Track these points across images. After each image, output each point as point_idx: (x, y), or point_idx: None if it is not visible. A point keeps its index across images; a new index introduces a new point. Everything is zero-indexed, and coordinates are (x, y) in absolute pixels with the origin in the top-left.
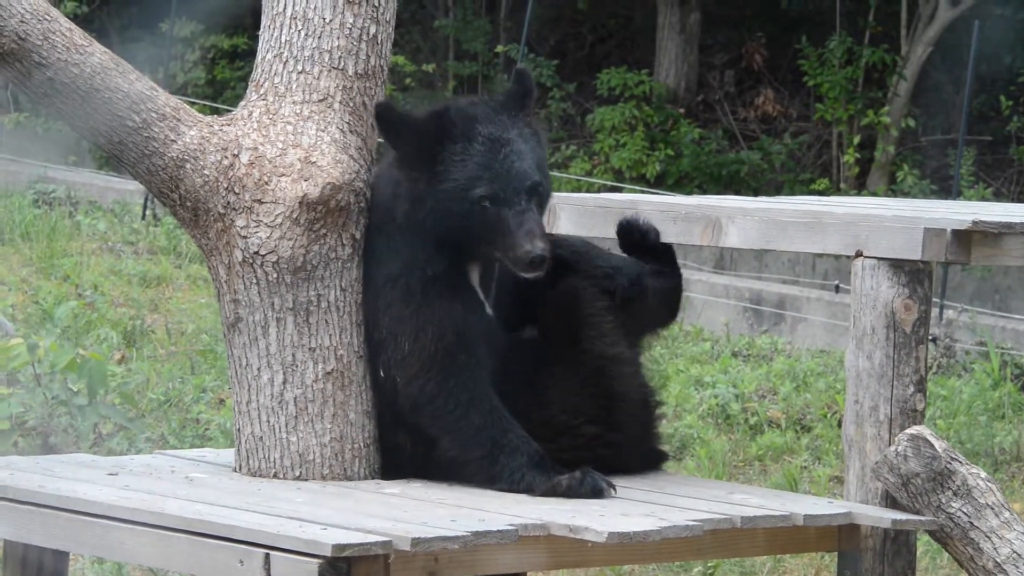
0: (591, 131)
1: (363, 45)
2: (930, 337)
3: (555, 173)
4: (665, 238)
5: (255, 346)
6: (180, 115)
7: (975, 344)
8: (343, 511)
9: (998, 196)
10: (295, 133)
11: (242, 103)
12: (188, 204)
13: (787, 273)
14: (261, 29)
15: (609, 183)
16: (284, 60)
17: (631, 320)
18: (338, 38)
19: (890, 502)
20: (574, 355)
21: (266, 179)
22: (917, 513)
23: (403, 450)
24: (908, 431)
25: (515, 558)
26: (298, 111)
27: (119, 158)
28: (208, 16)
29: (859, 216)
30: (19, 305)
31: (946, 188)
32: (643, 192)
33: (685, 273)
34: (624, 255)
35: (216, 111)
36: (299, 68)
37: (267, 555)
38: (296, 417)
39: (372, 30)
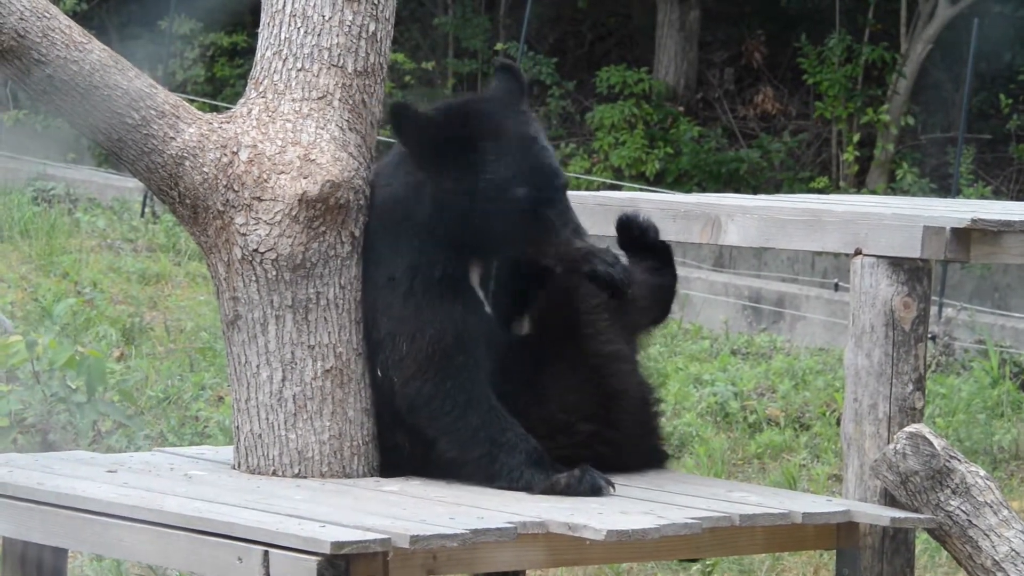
0: (590, 129)
1: (362, 43)
2: (929, 335)
3: None
4: (664, 236)
5: (254, 343)
6: (179, 112)
7: (974, 342)
8: (342, 509)
9: (997, 194)
10: (294, 131)
11: (241, 100)
12: (187, 201)
13: (786, 271)
14: (260, 27)
15: (608, 181)
16: (283, 58)
17: (624, 316)
18: (337, 36)
19: (889, 500)
20: (572, 353)
21: (265, 177)
22: (916, 511)
23: (402, 449)
24: (907, 429)
25: (514, 556)
26: (297, 109)
27: (118, 155)
28: (207, 13)
29: (858, 214)
30: (18, 302)
31: (945, 186)
32: (642, 190)
33: (684, 271)
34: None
35: (215, 109)
36: (298, 66)
37: (266, 552)
38: (295, 415)
39: (371, 27)
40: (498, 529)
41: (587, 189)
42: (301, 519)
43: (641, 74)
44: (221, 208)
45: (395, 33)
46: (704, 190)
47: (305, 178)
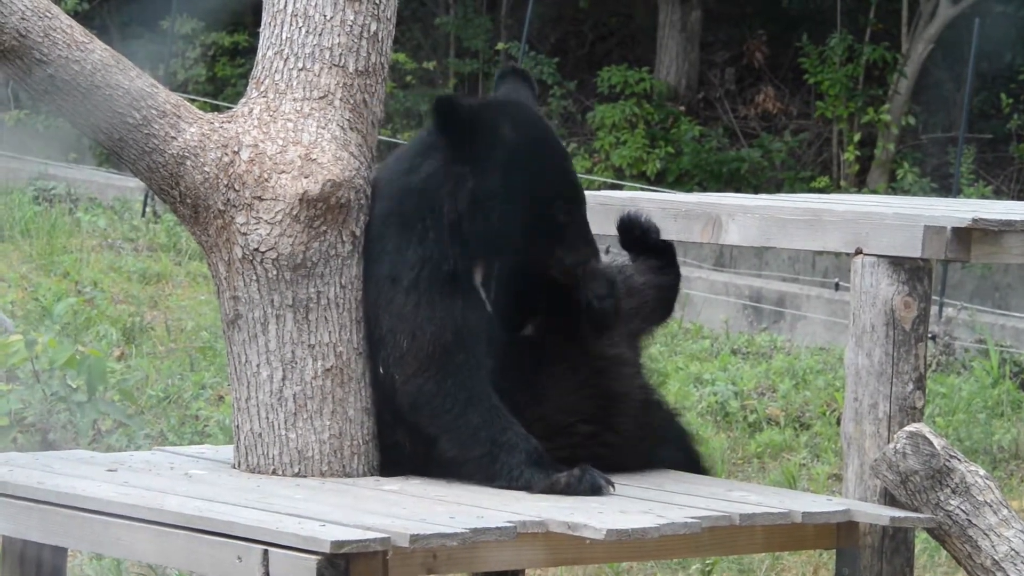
0: (591, 129)
1: (364, 42)
2: (929, 335)
3: None
4: (665, 235)
5: (254, 343)
6: (180, 112)
7: (974, 342)
8: (342, 508)
9: (998, 194)
10: (295, 130)
11: (242, 100)
12: (188, 201)
13: (787, 271)
14: (262, 26)
15: (609, 181)
16: (285, 57)
17: (626, 317)
18: (339, 35)
19: (889, 499)
20: (574, 355)
21: (266, 176)
22: (915, 511)
23: (402, 447)
24: (907, 429)
25: (513, 555)
26: (298, 108)
27: (119, 155)
28: (209, 13)
29: (859, 214)
30: (18, 301)
31: (946, 186)
32: (643, 190)
33: (685, 271)
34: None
35: (216, 108)
36: (300, 65)
37: (265, 551)
38: (295, 414)
39: (373, 27)
40: (498, 528)
41: (588, 189)
42: (301, 518)
43: (642, 74)
44: (222, 207)
45: (396, 33)
46: (705, 190)
47: (306, 177)
